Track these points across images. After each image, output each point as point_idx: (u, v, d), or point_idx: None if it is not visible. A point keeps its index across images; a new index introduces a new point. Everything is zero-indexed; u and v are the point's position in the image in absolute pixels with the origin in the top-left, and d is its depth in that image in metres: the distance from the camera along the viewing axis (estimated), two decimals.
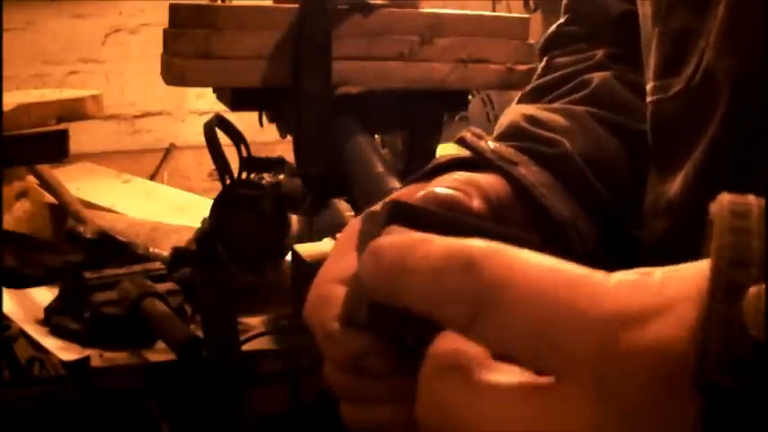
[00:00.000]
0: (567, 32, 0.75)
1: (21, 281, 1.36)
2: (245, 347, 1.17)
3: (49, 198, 1.50)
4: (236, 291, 1.20)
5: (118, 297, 1.16)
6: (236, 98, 1.15)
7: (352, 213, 1.30)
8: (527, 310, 0.31)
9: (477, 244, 0.33)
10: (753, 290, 0.28)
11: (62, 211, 1.47)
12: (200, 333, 1.11)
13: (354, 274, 0.40)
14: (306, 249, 1.23)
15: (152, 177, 2.68)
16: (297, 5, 1.11)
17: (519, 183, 0.56)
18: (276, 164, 1.20)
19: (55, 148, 1.34)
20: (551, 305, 0.31)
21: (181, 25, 1.11)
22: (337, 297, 0.45)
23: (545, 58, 0.75)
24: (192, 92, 2.92)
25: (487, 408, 0.32)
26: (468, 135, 0.58)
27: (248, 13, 1.12)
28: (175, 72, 1.12)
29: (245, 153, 1.17)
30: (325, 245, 1.25)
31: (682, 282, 0.31)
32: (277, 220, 1.18)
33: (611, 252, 0.61)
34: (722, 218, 0.30)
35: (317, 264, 1.18)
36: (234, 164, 1.16)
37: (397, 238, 0.36)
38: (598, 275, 0.32)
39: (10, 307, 1.25)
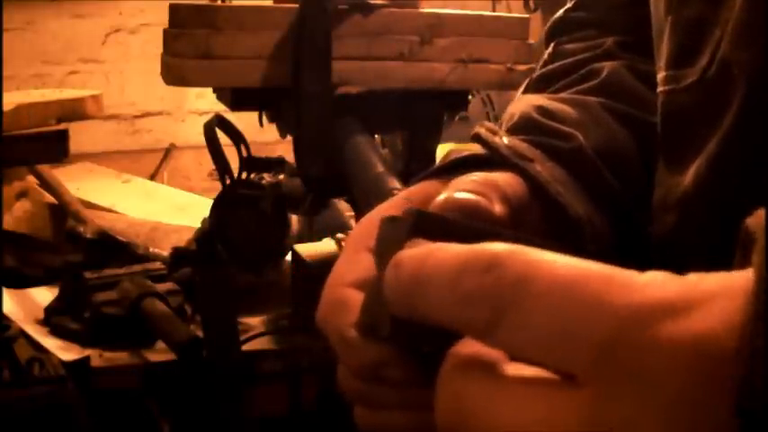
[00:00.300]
0: (574, 18, 0.74)
1: (21, 281, 1.36)
2: (245, 347, 1.17)
3: (49, 198, 1.50)
4: (236, 291, 1.20)
5: (118, 297, 1.16)
6: (236, 98, 1.15)
7: (352, 213, 1.30)
8: (554, 304, 0.30)
9: (497, 245, 0.32)
10: None
11: (62, 211, 1.47)
12: (200, 333, 1.11)
13: (372, 280, 0.40)
14: (306, 249, 1.23)
15: (152, 177, 2.68)
16: (297, 5, 1.11)
17: (535, 180, 0.55)
18: (276, 164, 1.20)
19: (55, 148, 1.34)
20: (581, 297, 0.30)
21: (181, 25, 1.11)
22: (353, 302, 0.44)
23: (552, 45, 0.73)
24: (192, 92, 2.92)
25: (512, 404, 0.31)
26: (482, 131, 0.57)
27: (248, 13, 1.12)
28: (175, 72, 1.12)
29: (245, 153, 1.17)
30: (326, 245, 1.25)
31: (720, 279, 0.29)
32: (277, 220, 1.18)
33: (621, 250, 0.60)
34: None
35: (317, 264, 1.19)
36: (234, 164, 1.16)
37: (416, 250, 0.35)
38: (627, 272, 0.31)
39: (10, 307, 1.25)
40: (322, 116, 1.11)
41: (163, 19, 1.13)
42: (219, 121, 1.16)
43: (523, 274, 0.31)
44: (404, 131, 1.22)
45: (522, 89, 0.72)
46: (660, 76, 0.60)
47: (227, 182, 1.16)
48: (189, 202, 1.83)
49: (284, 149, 1.26)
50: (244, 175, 1.17)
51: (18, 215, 1.49)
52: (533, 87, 0.70)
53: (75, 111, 1.40)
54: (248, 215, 1.16)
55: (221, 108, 1.21)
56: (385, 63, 1.17)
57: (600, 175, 0.60)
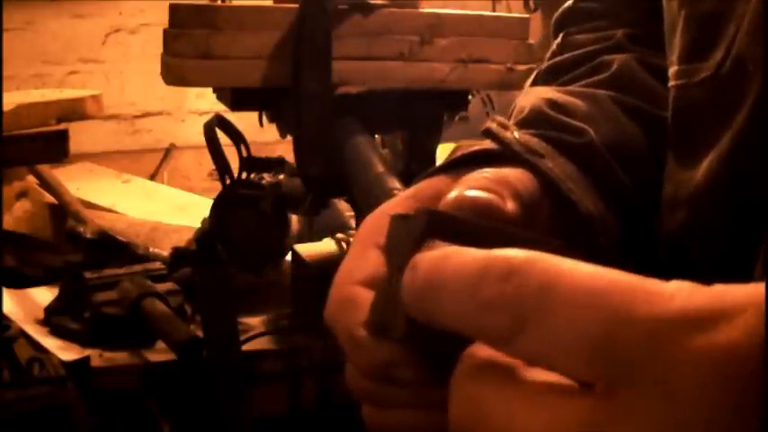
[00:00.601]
0: (583, 8, 0.72)
1: (21, 281, 1.36)
2: (245, 347, 1.17)
3: (49, 198, 1.50)
4: (236, 291, 1.20)
5: (118, 297, 1.16)
6: (236, 98, 1.15)
7: (352, 213, 1.30)
8: (578, 314, 0.29)
9: (517, 252, 0.31)
10: None
11: (62, 211, 1.47)
12: (200, 333, 1.11)
13: (381, 278, 0.39)
14: (306, 249, 1.23)
15: (152, 177, 2.68)
16: (297, 5, 1.11)
17: (546, 177, 0.54)
18: (276, 164, 1.20)
19: (55, 148, 1.34)
20: (606, 306, 0.29)
21: (181, 25, 1.11)
22: (363, 301, 0.44)
23: (561, 35, 0.72)
24: (192, 92, 2.92)
25: (530, 410, 0.30)
26: (494, 126, 0.56)
27: (248, 13, 1.12)
28: (175, 72, 1.12)
29: (245, 153, 1.17)
30: (326, 245, 1.25)
31: (747, 291, 0.29)
32: (277, 220, 1.18)
33: (630, 246, 0.60)
34: None
35: (316, 264, 1.19)
36: (234, 164, 1.16)
37: (434, 253, 0.34)
38: (652, 281, 0.30)
39: (10, 307, 1.25)
40: (322, 116, 1.11)
41: (163, 19, 1.13)
42: (219, 121, 1.16)
43: (546, 282, 0.30)
44: (404, 131, 1.22)
45: (530, 80, 0.71)
46: (672, 70, 0.59)
47: (227, 182, 1.16)
48: (189, 202, 1.83)
49: (284, 149, 1.26)
50: (244, 175, 1.17)
51: (18, 215, 1.49)
52: (542, 79, 0.69)
53: (75, 111, 1.40)
54: (248, 215, 1.16)
55: (221, 108, 1.21)
56: (385, 63, 1.17)
57: (611, 172, 0.59)
